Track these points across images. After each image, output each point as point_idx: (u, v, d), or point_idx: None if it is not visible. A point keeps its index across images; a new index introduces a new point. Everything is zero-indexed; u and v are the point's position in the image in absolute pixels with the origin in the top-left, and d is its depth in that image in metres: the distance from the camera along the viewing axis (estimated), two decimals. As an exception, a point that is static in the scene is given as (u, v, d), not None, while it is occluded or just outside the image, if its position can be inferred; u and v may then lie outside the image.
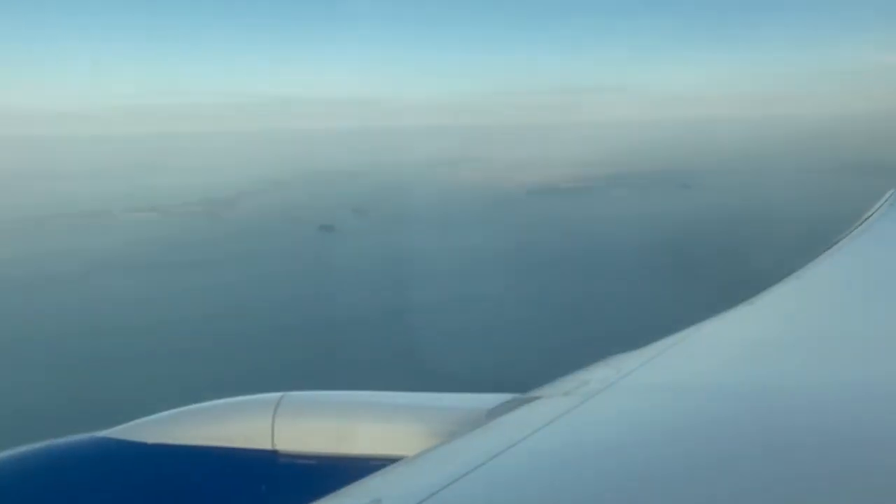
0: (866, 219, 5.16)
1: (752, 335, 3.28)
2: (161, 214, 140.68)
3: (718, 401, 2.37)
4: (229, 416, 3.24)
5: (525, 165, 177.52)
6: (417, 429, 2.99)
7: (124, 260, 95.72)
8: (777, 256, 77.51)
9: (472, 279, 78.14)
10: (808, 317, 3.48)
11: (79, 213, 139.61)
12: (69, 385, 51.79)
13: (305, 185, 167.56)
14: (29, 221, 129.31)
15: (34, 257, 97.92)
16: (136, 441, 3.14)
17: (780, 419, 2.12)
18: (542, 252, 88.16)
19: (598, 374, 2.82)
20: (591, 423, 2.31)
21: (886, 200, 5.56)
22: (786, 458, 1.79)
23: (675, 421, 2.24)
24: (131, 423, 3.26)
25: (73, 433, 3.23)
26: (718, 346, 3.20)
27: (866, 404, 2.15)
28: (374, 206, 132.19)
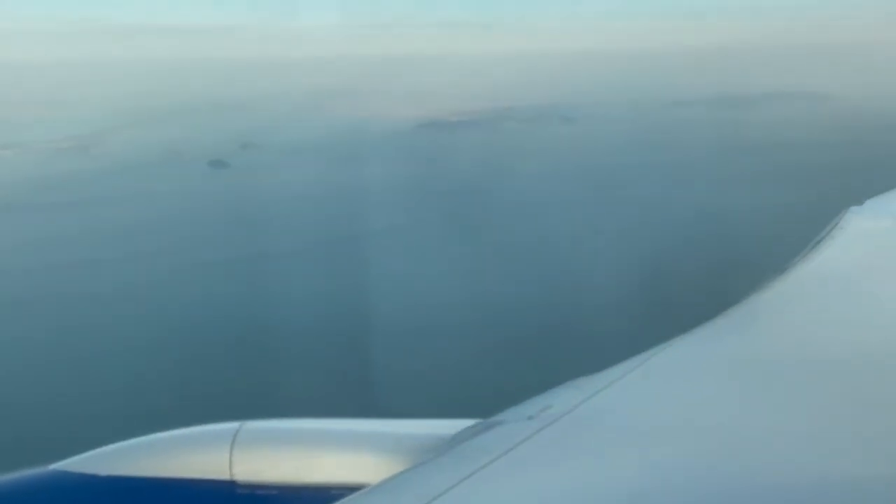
0: (817, 242, 5.09)
1: (714, 360, 3.35)
2: (22, 152, 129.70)
3: (681, 427, 2.43)
4: (186, 447, 3.21)
5: (409, 99, 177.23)
6: (380, 456, 2.99)
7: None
8: (655, 183, 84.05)
9: (375, 215, 78.10)
10: (766, 343, 3.52)
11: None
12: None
13: (179, 119, 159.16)
14: None
15: None
16: (88, 473, 3.10)
17: (740, 450, 2.18)
18: (441, 187, 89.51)
19: (561, 398, 2.84)
20: (554, 448, 2.35)
21: (836, 224, 5.42)
22: (746, 483, 1.86)
23: (639, 446, 2.28)
24: (85, 455, 3.22)
25: (25, 465, 3.23)
26: (680, 370, 3.25)
27: (824, 442, 2.20)
28: (261, 141, 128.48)
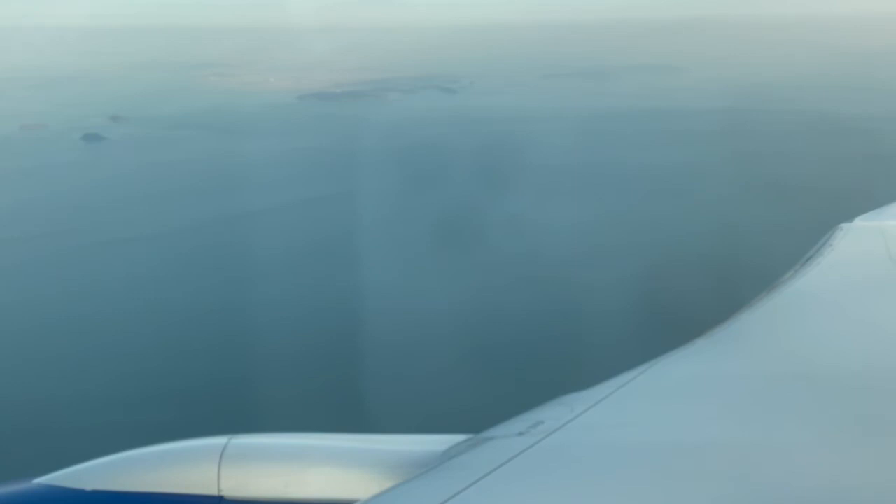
0: (808, 258, 5.13)
1: (704, 377, 3.36)
2: None
3: (671, 444, 2.46)
4: (173, 462, 3.19)
5: (286, 70, 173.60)
6: (370, 472, 3.00)
7: None
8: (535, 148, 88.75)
9: (271, 189, 75.96)
10: (757, 361, 3.47)
11: None
12: None
13: (40, 90, 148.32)
14: None
15: None
16: (74, 488, 3.10)
17: (730, 466, 2.21)
18: (332, 158, 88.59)
19: (552, 414, 2.83)
20: (545, 464, 2.35)
21: (827, 241, 5.43)
22: (736, 499, 1.89)
23: (629, 463, 2.32)
24: (71, 469, 3.21)
25: (10, 478, 3.22)
26: (671, 386, 3.28)
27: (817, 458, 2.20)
28: (132, 113, 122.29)
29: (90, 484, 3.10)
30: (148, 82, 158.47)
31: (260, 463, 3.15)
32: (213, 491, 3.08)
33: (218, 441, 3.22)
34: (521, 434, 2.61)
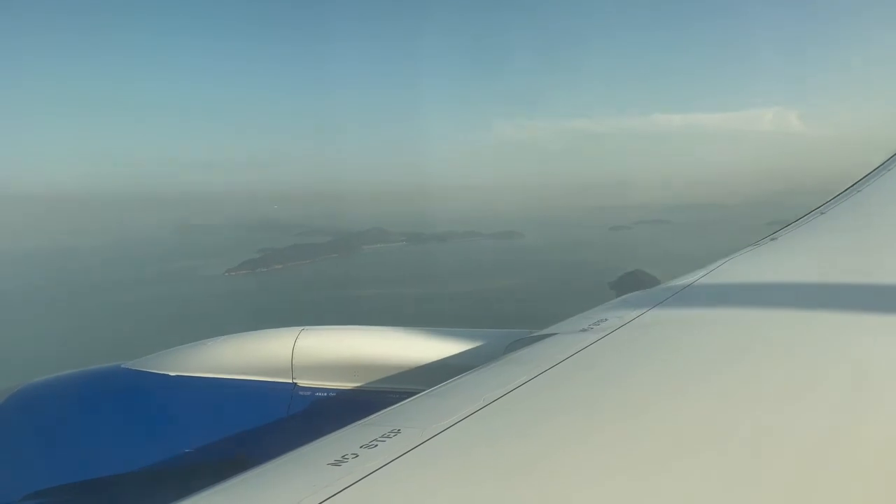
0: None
1: (770, 274, 3.45)
2: None
3: (734, 337, 2.42)
4: (251, 349, 3.35)
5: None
6: (436, 363, 3.09)
7: None
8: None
9: None
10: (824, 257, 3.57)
11: None
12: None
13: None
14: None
15: None
16: (158, 372, 3.28)
17: (790, 351, 2.18)
18: None
19: (616, 312, 2.80)
20: (611, 356, 2.32)
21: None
22: (784, 388, 1.84)
23: (693, 355, 2.27)
24: (155, 355, 3.42)
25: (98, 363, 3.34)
26: (742, 281, 3.32)
27: None
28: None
29: (173, 368, 3.30)
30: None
31: (331, 351, 3.30)
32: (286, 377, 3.26)
33: (291, 330, 3.39)
34: (584, 330, 2.59)
